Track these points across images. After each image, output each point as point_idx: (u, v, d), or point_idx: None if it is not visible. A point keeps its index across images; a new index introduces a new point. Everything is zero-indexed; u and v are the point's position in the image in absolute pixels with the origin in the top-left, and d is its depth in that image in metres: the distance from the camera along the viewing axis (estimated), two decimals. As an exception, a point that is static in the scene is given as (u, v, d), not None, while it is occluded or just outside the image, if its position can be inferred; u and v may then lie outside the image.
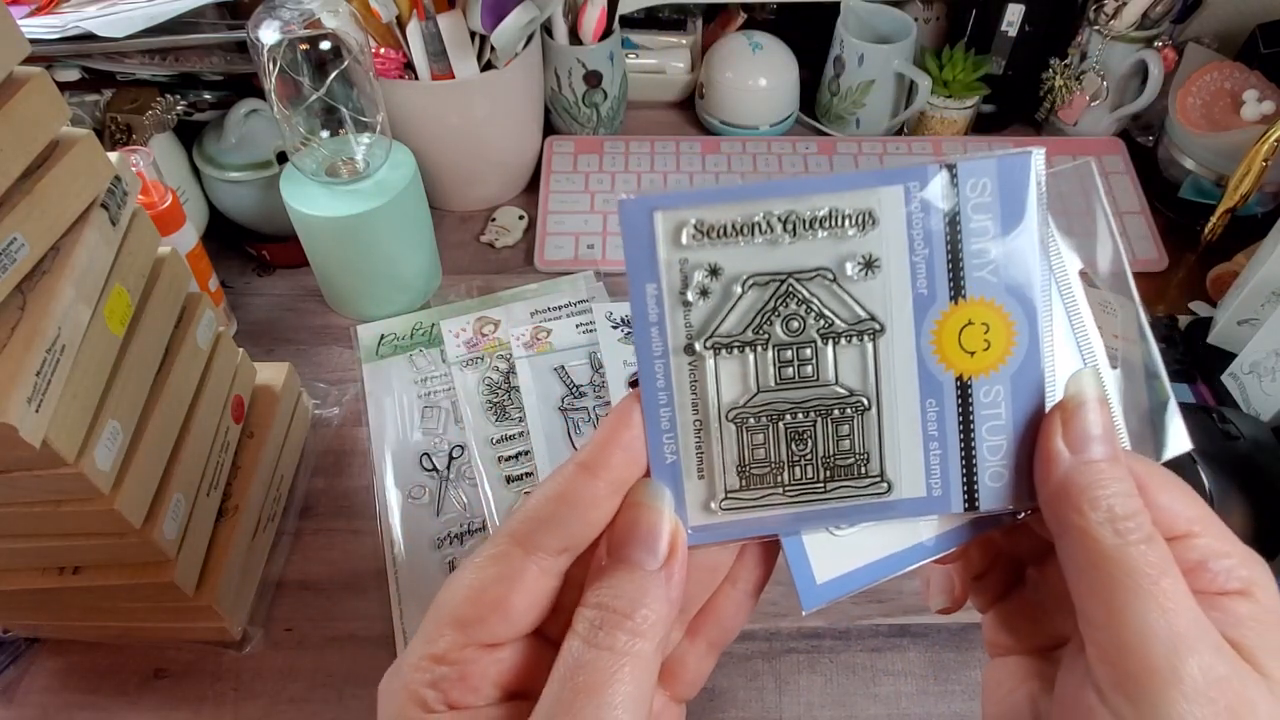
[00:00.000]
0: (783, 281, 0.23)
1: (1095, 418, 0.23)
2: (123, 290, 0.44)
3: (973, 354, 0.23)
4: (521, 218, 0.78)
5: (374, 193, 0.63)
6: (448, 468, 0.60)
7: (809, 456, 0.24)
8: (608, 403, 0.62)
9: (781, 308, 0.23)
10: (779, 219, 0.22)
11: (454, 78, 0.69)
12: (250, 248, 0.74)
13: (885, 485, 0.24)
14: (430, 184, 0.72)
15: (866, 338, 0.23)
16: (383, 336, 0.68)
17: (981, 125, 0.86)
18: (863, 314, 0.23)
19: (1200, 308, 0.69)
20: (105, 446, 0.41)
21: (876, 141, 0.83)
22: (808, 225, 0.23)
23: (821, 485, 0.24)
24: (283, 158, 0.67)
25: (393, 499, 0.58)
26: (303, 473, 0.61)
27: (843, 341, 0.23)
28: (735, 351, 0.23)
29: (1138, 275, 0.71)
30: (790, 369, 0.24)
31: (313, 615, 0.54)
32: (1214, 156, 0.72)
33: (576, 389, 0.63)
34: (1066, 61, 0.81)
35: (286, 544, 0.57)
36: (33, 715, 0.50)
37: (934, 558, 0.25)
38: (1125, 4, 0.75)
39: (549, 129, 0.83)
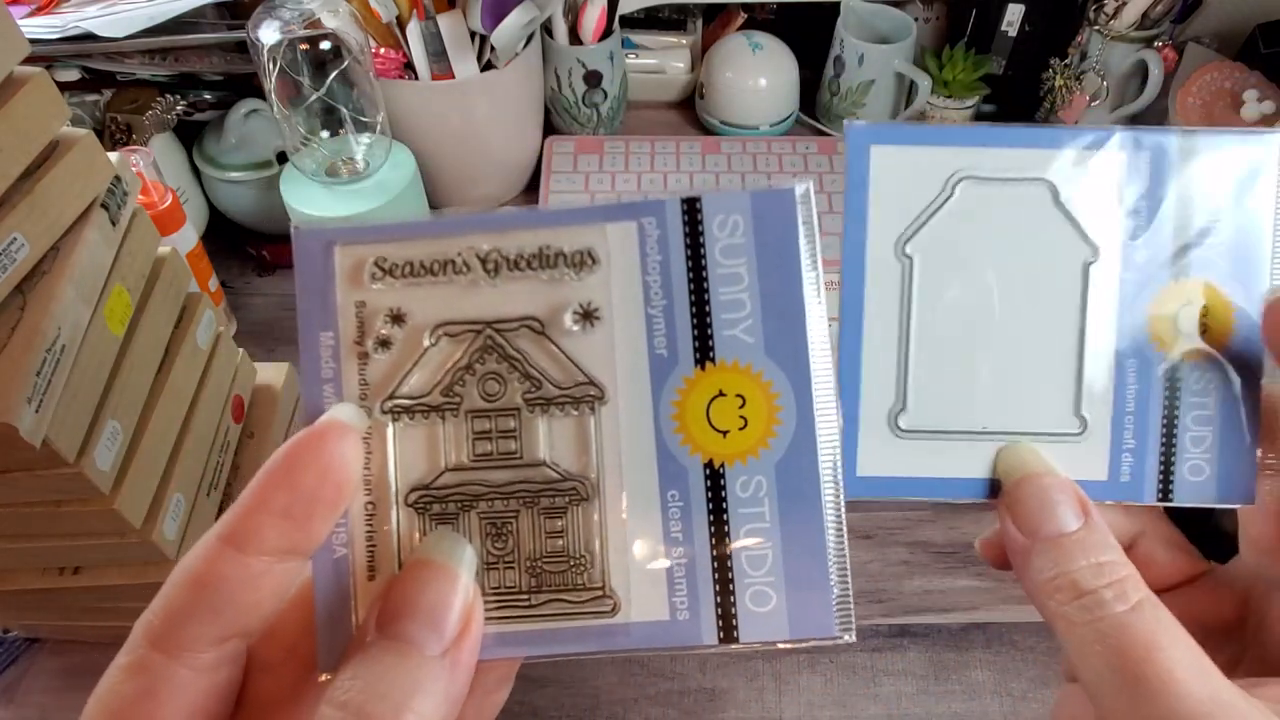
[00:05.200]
0: (479, 332, 0.19)
1: (1046, 491, 0.20)
2: (123, 290, 0.44)
3: (725, 434, 0.19)
4: (521, 218, 0.78)
5: (374, 193, 0.63)
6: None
7: (510, 558, 0.19)
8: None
9: (478, 365, 0.19)
10: (478, 257, 0.18)
11: (454, 78, 0.69)
12: (250, 248, 0.74)
13: (610, 604, 0.19)
14: (430, 184, 0.72)
15: (585, 407, 0.19)
16: (383, 336, 0.68)
17: (981, 125, 0.86)
18: (580, 376, 0.19)
19: (1200, 308, 0.69)
20: (105, 446, 0.41)
21: (876, 141, 0.82)
22: (513, 265, 0.19)
23: (527, 597, 0.19)
24: (283, 158, 0.67)
25: (392, 499, 0.58)
26: (303, 473, 0.61)
27: (555, 411, 0.19)
28: (419, 418, 0.19)
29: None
30: (488, 443, 0.19)
31: (313, 615, 0.54)
32: (1214, 156, 0.72)
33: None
34: (1066, 61, 0.81)
35: (286, 544, 0.57)
36: (33, 715, 0.50)
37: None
38: (1125, 4, 0.75)
39: (549, 129, 0.83)
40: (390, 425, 0.19)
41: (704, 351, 0.19)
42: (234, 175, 0.69)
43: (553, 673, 0.51)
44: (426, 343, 0.19)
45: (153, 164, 0.58)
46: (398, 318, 0.19)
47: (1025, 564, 0.19)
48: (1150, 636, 0.17)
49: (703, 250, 0.19)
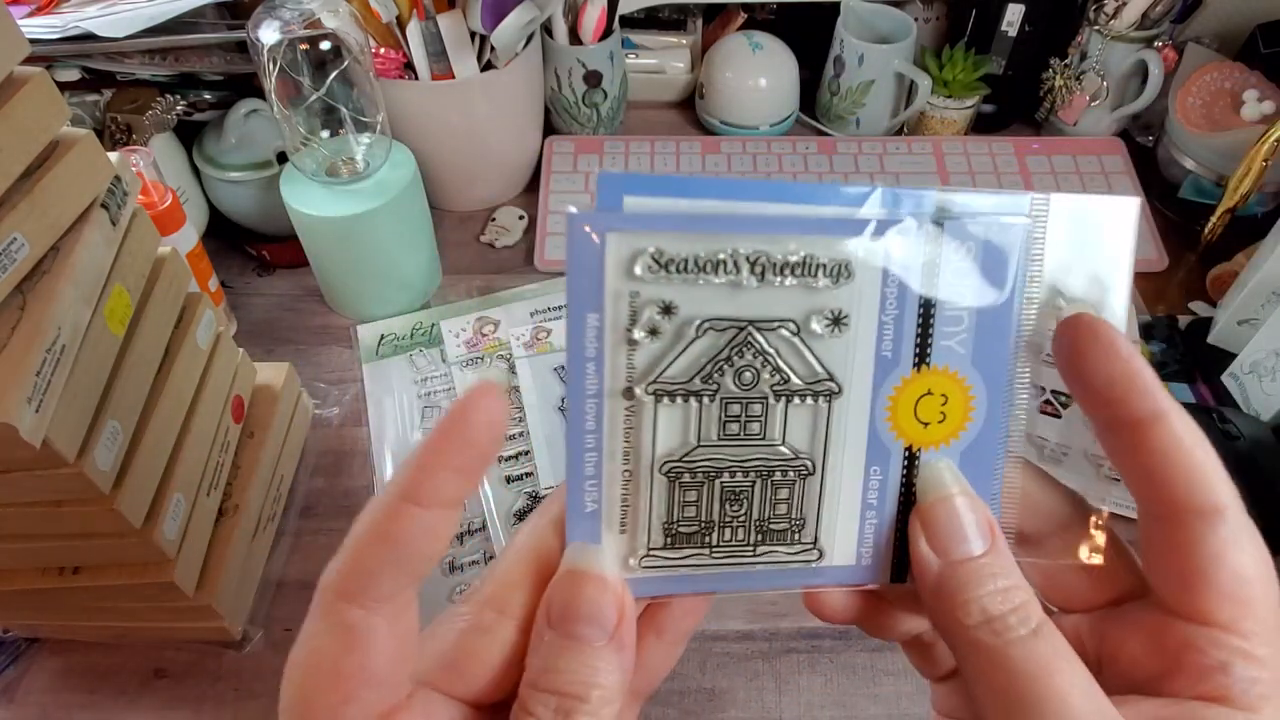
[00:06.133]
0: (741, 329, 0.21)
1: (957, 513, 0.21)
2: (123, 290, 0.44)
3: (926, 425, 0.22)
4: (521, 218, 0.78)
5: (374, 193, 0.63)
6: (448, 468, 0.60)
7: (742, 518, 0.22)
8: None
9: (736, 358, 0.21)
10: (747, 260, 0.20)
11: (454, 78, 0.69)
12: (250, 248, 0.74)
13: (817, 553, 0.23)
14: (430, 184, 0.72)
15: (822, 399, 0.22)
16: (383, 336, 0.68)
17: (981, 125, 0.86)
18: (822, 373, 0.22)
19: (1200, 308, 0.69)
20: (105, 446, 0.41)
21: (876, 141, 0.82)
22: (777, 270, 0.21)
23: (751, 549, 0.23)
24: (283, 158, 0.67)
25: (393, 499, 0.58)
26: (303, 473, 0.61)
27: (796, 400, 0.22)
28: (679, 400, 0.21)
29: (1137, 275, 0.72)
30: (736, 424, 0.22)
31: (313, 615, 0.54)
32: (1214, 156, 0.72)
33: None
34: (1066, 61, 0.81)
35: (286, 544, 0.57)
36: (33, 715, 0.50)
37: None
38: (1125, 4, 0.75)
39: (549, 129, 0.83)
40: (653, 405, 0.21)
41: (922, 356, 0.22)
42: (234, 175, 0.68)
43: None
44: (692, 334, 0.21)
45: (153, 164, 0.58)
46: (668, 309, 0.20)
47: (935, 585, 0.21)
48: (1049, 660, 0.19)
49: (938, 270, 0.21)
